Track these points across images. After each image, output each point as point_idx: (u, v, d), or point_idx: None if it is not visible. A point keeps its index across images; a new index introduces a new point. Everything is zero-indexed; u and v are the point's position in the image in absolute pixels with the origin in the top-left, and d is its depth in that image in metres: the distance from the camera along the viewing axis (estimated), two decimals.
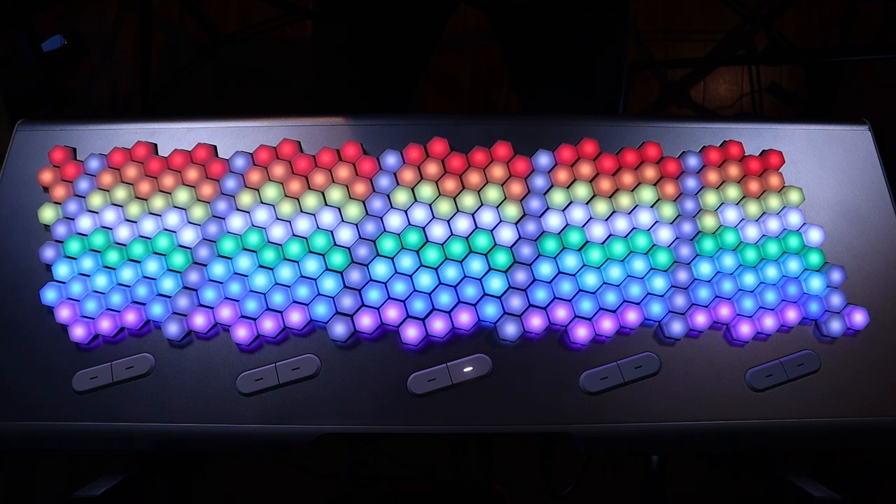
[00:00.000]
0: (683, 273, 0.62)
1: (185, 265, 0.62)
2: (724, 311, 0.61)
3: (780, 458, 0.66)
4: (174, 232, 0.63)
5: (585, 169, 0.66)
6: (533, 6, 0.77)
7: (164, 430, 0.57)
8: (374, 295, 0.60)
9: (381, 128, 0.68)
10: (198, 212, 0.64)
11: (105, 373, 0.59)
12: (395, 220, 0.63)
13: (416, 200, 0.65)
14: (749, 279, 0.62)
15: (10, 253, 0.63)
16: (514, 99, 1.72)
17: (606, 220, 0.64)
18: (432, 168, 0.65)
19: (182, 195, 0.64)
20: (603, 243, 0.63)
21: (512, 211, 0.64)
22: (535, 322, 0.60)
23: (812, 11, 1.73)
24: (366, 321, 0.59)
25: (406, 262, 0.62)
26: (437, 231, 0.63)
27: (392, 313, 0.60)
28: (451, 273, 0.61)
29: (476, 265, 0.62)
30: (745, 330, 0.60)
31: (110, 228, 0.64)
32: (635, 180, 0.66)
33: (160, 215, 0.64)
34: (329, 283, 0.61)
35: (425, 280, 0.61)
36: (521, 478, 1.14)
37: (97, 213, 0.64)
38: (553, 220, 0.64)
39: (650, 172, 0.66)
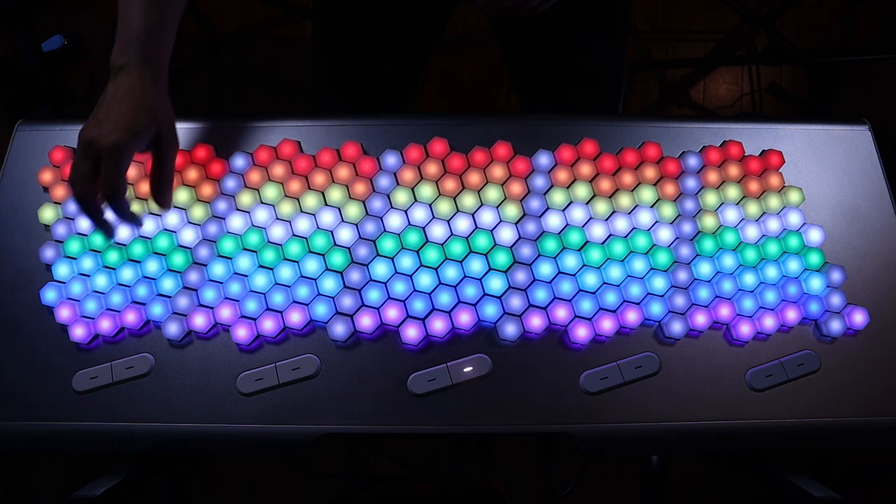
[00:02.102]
0: (683, 273, 0.62)
1: (185, 265, 0.62)
2: (724, 311, 0.61)
3: (780, 458, 0.66)
4: (174, 232, 0.63)
5: (585, 169, 0.66)
6: None
7: (164, 430, 0.57)
8: (374, 295, 0.60)
9: (381, 128, 0.68)
10: (198, 212, 0.64)
11: (105, 373, 0.59)
12: (395, 220, 0.63)
13: (416, 200, 0.65)
14: (749, 279, 0.62)
15: (10, 253, 0.63)
16: (514, 99, 1.72)
17: (606, 220, 0.64)
18: (432, 168, 0.65)
19: (182, 195, 0.64)
20: (603, 243, 0.63)
21: (512, 211, 0.64)
22: (535, 322, 0.60)
23: (812, 11, 1.73)
24: (366, 321, 0.59)
25: (406, 262, 0.62)
26: (437, 231, 0.63)
27: (392, 313, 0.60)
28: (451, 273, 0.61)
29: (476, 265, 0.62)
30: (745, 330, 0.60)
31: None
32: (635, 180, 0.66)
33: (160, 215, 0.64)
34: (329, 283, 0.61)
35: (425, 280, 0.61)
36: (521, 478, 1.14)
37: None
38: (553, 220, 0.64)
39: (650, 172, 0.66)
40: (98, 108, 0.58)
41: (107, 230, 0.60)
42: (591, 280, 0.61)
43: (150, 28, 0.59)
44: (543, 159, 0.66)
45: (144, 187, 0.64)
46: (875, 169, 0.68)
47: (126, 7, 0.59)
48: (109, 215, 0.62)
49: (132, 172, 0.65)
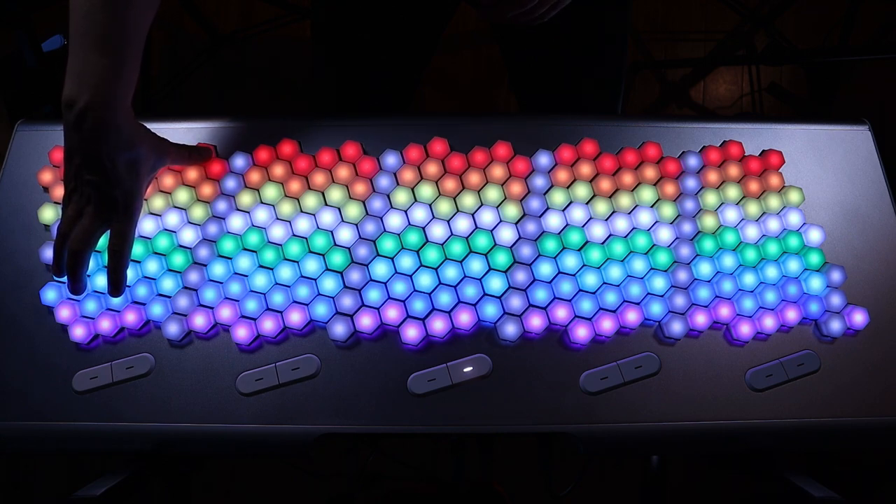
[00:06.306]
0: (683, 273, 0.62)
1: (185, 265, 0.62)
2: (724, 311, 0.61)
3: (780, 458, 0.66)
4: (174, 232, 0.63)
5: (585, 169, 0.66)
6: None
7: (164, 430, 0.57)
8: (374, 295, 0.60)
9: (381, 128, 0.68)
10: (198, 212, 0.64)
11: (105, 373, 0.59)
12: (395, 220, 0.63)
13: (416, 200, 0.65)
14: (749, 279, 0.62)
15: (11, 253, 0.63)
16: (514, 99, 1.72)
17: (606, 220, 0.64)
18: (432, 168, 0.65)
19: (182, 195, 0.64)
20: (603, 243, 0.63)
21: (512, 211, 0.64)
22: (535, 322, 0.60)
23: (812, 11, 1.73)
24: (366, 321, 0.59)
25: (406, 262, 0.62)
26: (437, 231, 0.63)
27: (392, 313, 0.60)
28: (451, 273, 0.61)
29: (476, 265, 0.62)
30: (745, 330, 0.60)
31: None
32: (635, 180, 0.66)
33: (160, 215, 0.64)
34: (329, 283, 0.61)
35: (425, 280, 0.61)
36: (521, 478, 1.14)
37: None
38: (553, 220, 0.64)
39: (650, 172, 0.66)
40: (82, 166, 0.55)
41: (81, 287, 0.59)
42: (591, 280, 0.61)
43: (108, 68, 0.53)
44: (543, 159, 0.66)
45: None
46: (875, 169, 0.68)
47: (81, 41, 0.53)
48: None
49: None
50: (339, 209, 0.64)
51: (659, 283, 0.61)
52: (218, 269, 0.62)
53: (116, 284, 0.59)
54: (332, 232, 0.63)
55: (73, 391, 0.58)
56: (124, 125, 0.55)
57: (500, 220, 0.64)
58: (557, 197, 0.64)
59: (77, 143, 0.54)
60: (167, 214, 0.64)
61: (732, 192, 0.66)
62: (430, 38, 0.89)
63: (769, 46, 1.67)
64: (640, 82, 1.72)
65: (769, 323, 0.61)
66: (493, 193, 0.64)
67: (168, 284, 0.61)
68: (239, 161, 0.66)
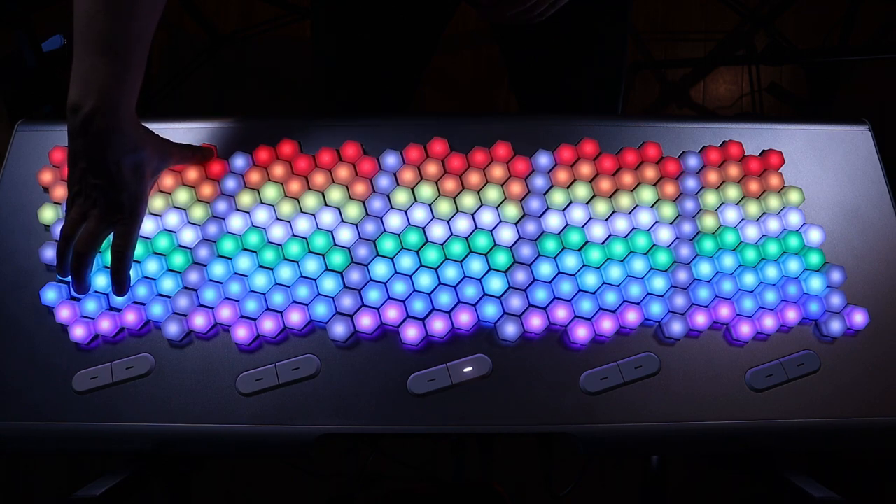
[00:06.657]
0: (683, 273, 0.62)
1: (185, 265, 0.62)
2: (724, 311, 0.61)
3: (780, 458, 0.66)
4: (174, 232, 0.63)
5: (585, 169, 0.66)
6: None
7: (164, 430, 0.57)
8: (373, 295, 0.60)
9: (381, 128, 0.68)
10: (198, 212, 0.64)
11: (105, 373, 0.59)
12: (394, 221, 0.63)
13: (415, 200, 0.65)
14: (749, 279, 0.62)
15: (11, 253, 0.63)
16: (514, 99, 1.72)
17: (606, 220, 0.64)
18: (432, 168, 0.65)
19: (182, 195, 0.64)
20: (603, 243, 0.63)
21: (512, 211, 0.64)
22: (535, 322, 0.60)
23: (812, 11, 1.72)
24: (366, 321, 0.59)
25: (406, 262, 0.62)
26: (437, 231, 0.63)
27: (392, 313, 0.60)
28: (450, 273, 0.61)
29: (476, 265, 0.62)
30: (745, 330, 0.60)
31: None
32: (635, 180, 0.66)
33: (160, 215, 0.64)
34: (329, 284, 0.61)
35: (425, 280, 0.61)
36: (521, 478, 1.14)
37: None
38: (553, 221, 0.64)
39: (650, 172, 0.66)
40: (87, 170, 0.55)
41: (86, 287, 0.59)
42: (590, 280, 0.61)
43: (113, 72, 0.53)
44: (543, 159, 0.66)
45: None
46: (875, 169, 0.68)
47: (85, 45, 0.53)
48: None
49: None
50: (338, 209, 0.64)
51: (659, 284, 0.61)
52: (218, 270, 0.62)
53: (120, 284, 0.59)
54: (331, 232, 0.63)
55: (73, 391, 0.58)
56: (129, 129, 0.56)
57: (500, 221, 0.64)
58: (557, 197, 0.64)
59: (82, 147, 0.54)
60: (167, 214, 0.64)
61: (732, 192, 0.66)
62: (430, 38, 0.89)
63: (769, 46, 1.67)
64: (640, 82, 1.72)
65: (769, 323, 0.61)
66: (492, 193, 0.64)
67: (168, 284, 0.61)
68: (239, 161, 0.66)
